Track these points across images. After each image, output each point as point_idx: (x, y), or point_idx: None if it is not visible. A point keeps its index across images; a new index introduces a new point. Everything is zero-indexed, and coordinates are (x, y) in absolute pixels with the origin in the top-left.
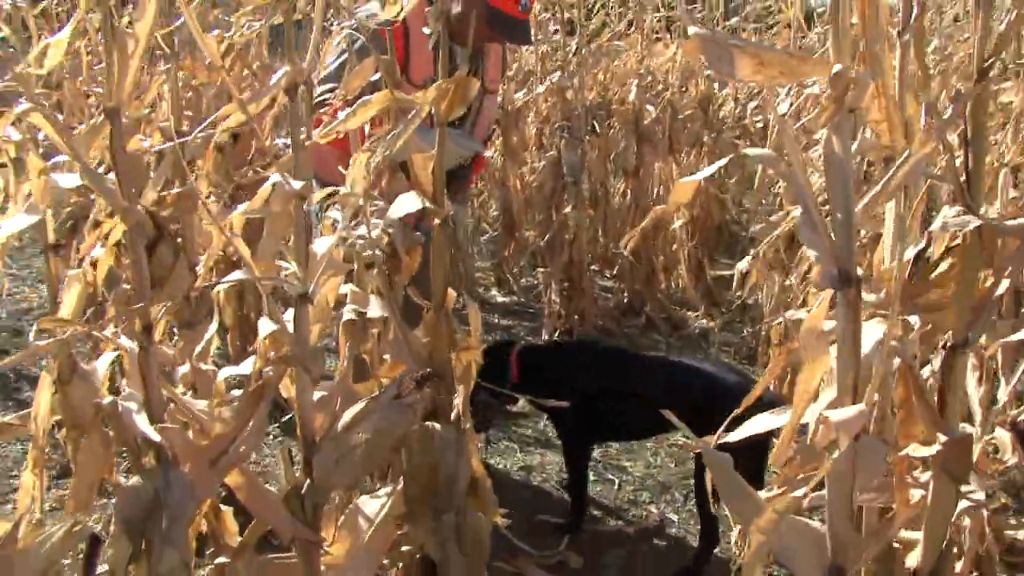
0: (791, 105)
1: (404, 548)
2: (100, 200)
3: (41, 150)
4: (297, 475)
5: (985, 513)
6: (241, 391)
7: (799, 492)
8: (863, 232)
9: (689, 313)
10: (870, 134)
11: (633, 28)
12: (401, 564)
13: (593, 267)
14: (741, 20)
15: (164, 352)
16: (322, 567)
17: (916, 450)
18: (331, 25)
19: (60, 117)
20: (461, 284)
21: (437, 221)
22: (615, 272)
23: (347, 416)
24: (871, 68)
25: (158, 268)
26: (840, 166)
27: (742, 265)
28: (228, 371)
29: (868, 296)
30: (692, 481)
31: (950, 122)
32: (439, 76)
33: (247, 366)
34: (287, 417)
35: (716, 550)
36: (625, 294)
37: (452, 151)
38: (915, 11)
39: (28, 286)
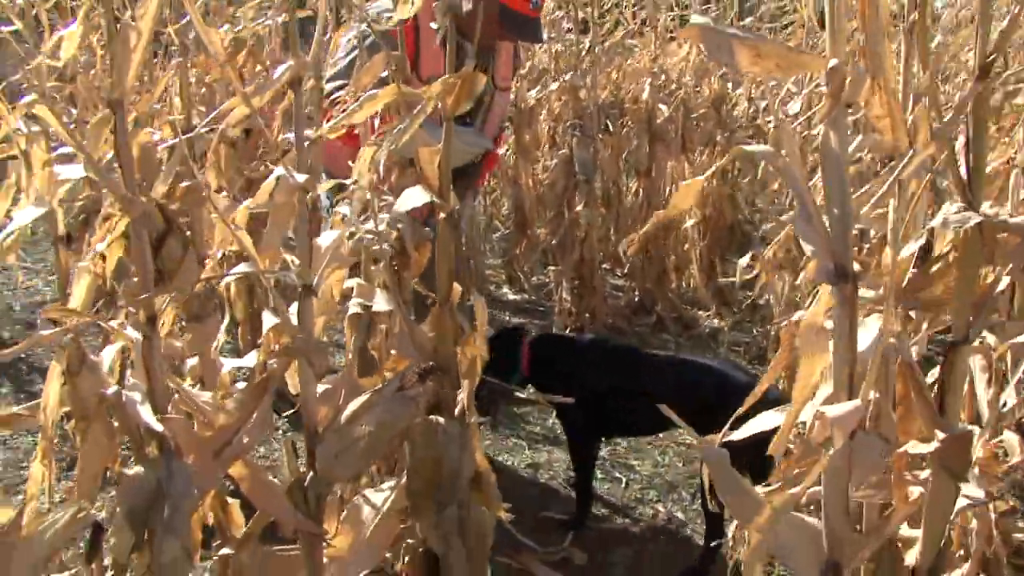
0: (802, 105)
1: (407, 541)
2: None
3: (55, 143)
4: (301, 468)
5: (993, 516)
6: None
7: (796, 489)
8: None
9: (700, 313)
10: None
11: (647, 27)
12: (405, 558)
13: (604, 266)
14: (756, 20)
15: (173, 345)
16: (325, 559)
17: (914, 446)
18: (344, 20)
19: (74, 111)
20: (471, 281)
21: (442, 216)
22: (626, 271)
23: (350, 408)
24: (871, 63)
25: (167, 261)
26: (837, 161)
27: (743, 262)
28: (233, 363)
29: (870, 292)
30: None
31: (952, 121)
32: (447, 72)
33: (252, 358)
34: (293, 410)
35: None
36: (636, 293)
37: (461, 148)
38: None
39: (42, 279)
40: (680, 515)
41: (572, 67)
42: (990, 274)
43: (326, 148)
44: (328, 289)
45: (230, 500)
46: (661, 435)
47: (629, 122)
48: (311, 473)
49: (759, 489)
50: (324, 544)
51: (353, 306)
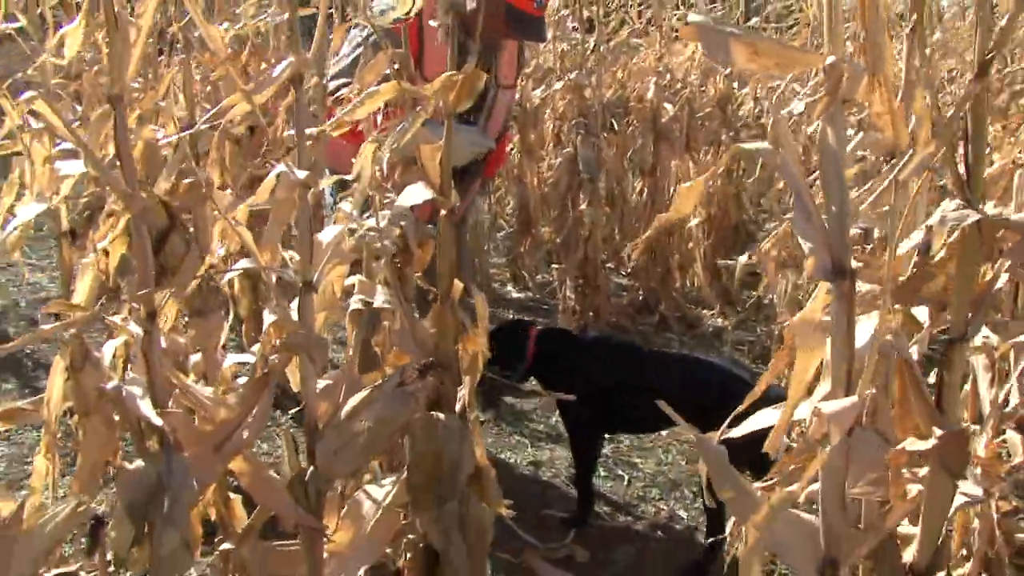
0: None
1: (408, 537)
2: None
3: (60, 140)
4: (302, 463)
5: (995, 516)
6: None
7: (793, 486)
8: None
9: (704, 312)
10: None
11: (652, 26)
12: (406, 555)
13: (608, 265)
14: (762, 20)
15: (176, 340)
16: (325, 554)
17: (912, 443)
18: (349, 18)
19: (79, 108)
20: (473, 278)
21: (443, 212)
22: (630, 270)
23: (350, 404)
24: (871, 59)
25: (170, 258)
26: (835, 158)
27: (742, 259)
28: (234, 358)
29: (868, 286)
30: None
31: (952, 119)
32: (449, 69)
33: (253, 354)
34: (299, 408)
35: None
36: (640, 292)
37: (464, 147)
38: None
39: (47, 276)
40: (683, 514)
41: (577, 66)
42: (988, 271)
43: (330, 146)
44: (329, 285)
45: (232, 496)
46: (664, 433)
47: (634, 121)
48: (311, 468)
49: (757, 486)
50: (324, 539)
51: (354, 302)
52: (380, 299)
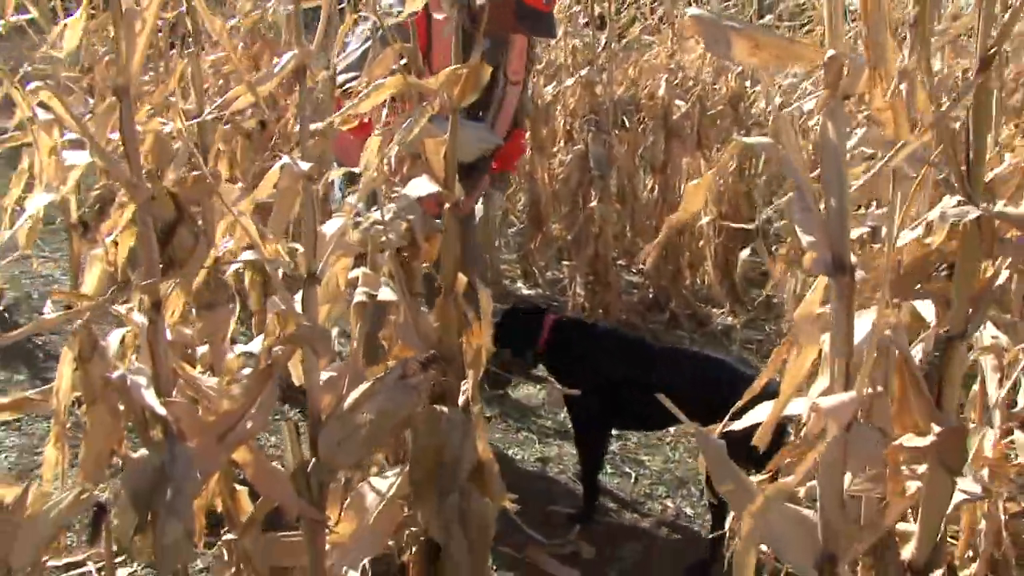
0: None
1: (411, 530)
2: None
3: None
4: (305, 454)
5: (1002, 517)
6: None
7: (789, 478)
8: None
9: (713, 310)
10: None
11: (664, 23)
12: (413, 549)
13: (619, 262)
14: (775, 18)
15: (183, 332)
16: (327, 546)
17: (910, 440)
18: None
19: (91, 100)
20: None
21: (448, 206)
22: (641, 267)
23: (352, 396)
24: (872, 54)
25: (178, 250)
26: (835, 152)
27: (745, 254)
28: (239, 349)
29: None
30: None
31: (950, 110)
32: (455, 63)
33: (258, 344)
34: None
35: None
36: (650, 289)
37: (471, 143)
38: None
39: (60, 268)
40: (689, 511)
41: (588, 62)
42: (989, 268)
43: (338, 140)
44: (333, 277)
45: (238, 487)
46: (672, 430)
47: (645, 118)
48: (313, 459)
49: (755, 479)
50: (327, 530)
51: (358, 295)
52: (384, 292)
